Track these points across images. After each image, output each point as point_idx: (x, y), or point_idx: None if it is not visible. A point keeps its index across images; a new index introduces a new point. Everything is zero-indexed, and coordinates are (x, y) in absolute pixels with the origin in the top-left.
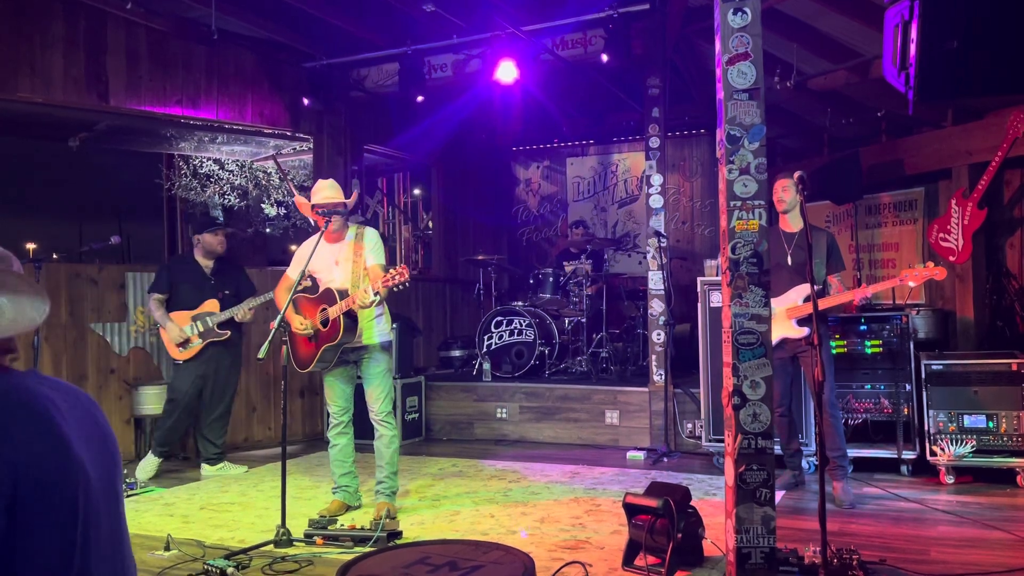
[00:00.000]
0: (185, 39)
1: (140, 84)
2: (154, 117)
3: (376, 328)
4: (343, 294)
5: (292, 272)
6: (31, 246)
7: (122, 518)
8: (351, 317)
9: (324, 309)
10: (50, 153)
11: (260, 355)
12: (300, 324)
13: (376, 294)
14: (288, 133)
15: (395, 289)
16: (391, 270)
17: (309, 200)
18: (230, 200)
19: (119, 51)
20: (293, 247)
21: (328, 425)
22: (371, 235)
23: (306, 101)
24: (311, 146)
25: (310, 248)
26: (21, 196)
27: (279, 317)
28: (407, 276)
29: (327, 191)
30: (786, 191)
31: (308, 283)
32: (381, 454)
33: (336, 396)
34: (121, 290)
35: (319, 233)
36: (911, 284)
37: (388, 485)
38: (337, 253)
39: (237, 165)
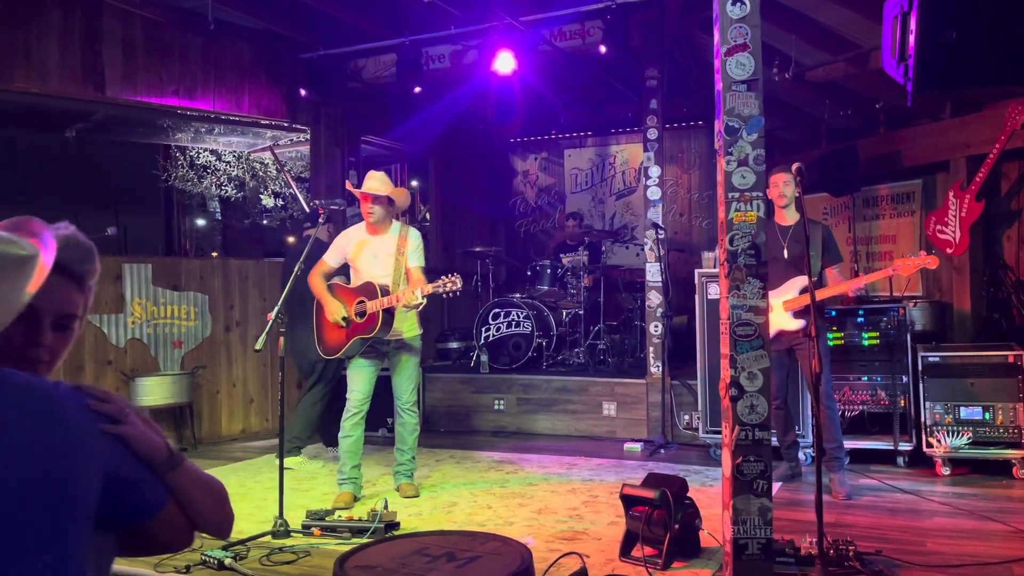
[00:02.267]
0: (182, 29)
1: (136, 75)
2: (151, 108)
3: (412, 322)
4: (384, 290)
5: (329, 259)
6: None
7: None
8: (389, 313)
9: (362, 301)
10: (46, 144)
11: (257, 346)
12: (334, 311)
13: (424, 297)
14: (285, 124)
15: (445, 296)
16: (444, 277)
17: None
18: (227, 191)
19: (115, 41)
20: (291, 238)
21: (343, 413)
22: (415, 236)
23: (303, 92)
24: (308, 137)
25: (350, 237)
26: (16, 187)
27: (277, 307)
28: (459, 285)
29: (374, 182)
30: (787, 185)
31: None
32: (404, 439)
33: (362, 384)
34: (118, 281)
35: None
36: (904, 274)
37: (409, 467)
38: (378, 247)
39: (234, 156)
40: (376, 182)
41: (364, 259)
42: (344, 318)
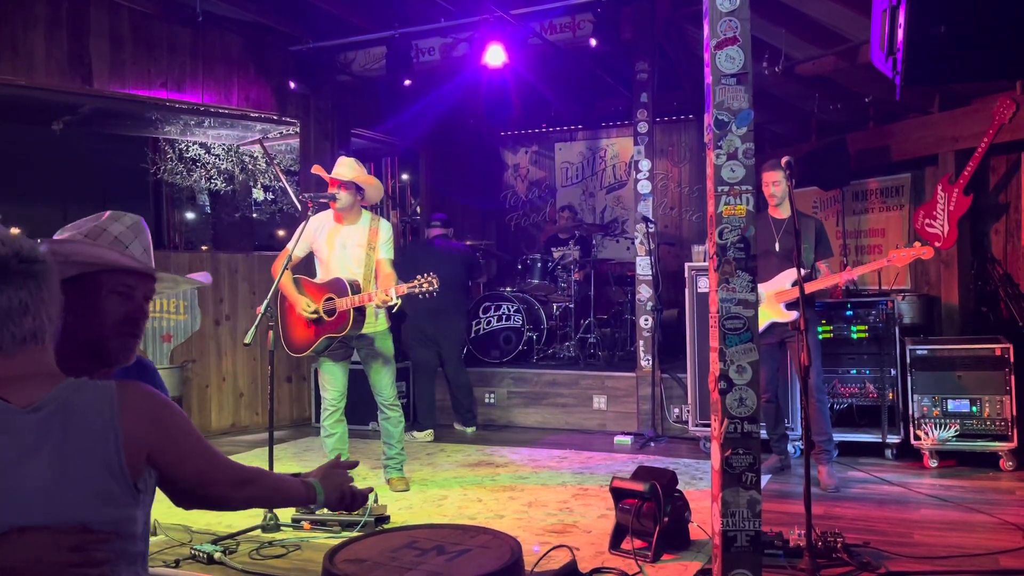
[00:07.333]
0: (169, 21)
1: (124, 67)
2: (139, 100)
3: (380, 315)
4: (355, 286)
5: (296, 249)
6: (15, 231)
7: None
8: (360, 311)
9: (331, 298)
10: (33, 137)
11: (247, 340)
12: (306, 306)
13: (399, 297)
14: (275, 117)
15: (420, 296)
16: (420, 277)
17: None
18: (216, 185)
19: (102, 33)
20: (281, 232)
21: (321, 412)
22: (387, 227)
23: (292, 85)
24: (298, 130)
25: (317, 225)
26: (4, 180)
27: (266, 301)
28: (436, 286)
29: (342, 168)
30: (777, 185)
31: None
32: (390, 434)
33: (336, 382)
34: None
35: (321, 210)
36: (898, 264)
37: (399, 460)
38: (347, 236)
39: (223, 149)
40: (343, 168)
41: (331, 249)
42: (315, 311)
